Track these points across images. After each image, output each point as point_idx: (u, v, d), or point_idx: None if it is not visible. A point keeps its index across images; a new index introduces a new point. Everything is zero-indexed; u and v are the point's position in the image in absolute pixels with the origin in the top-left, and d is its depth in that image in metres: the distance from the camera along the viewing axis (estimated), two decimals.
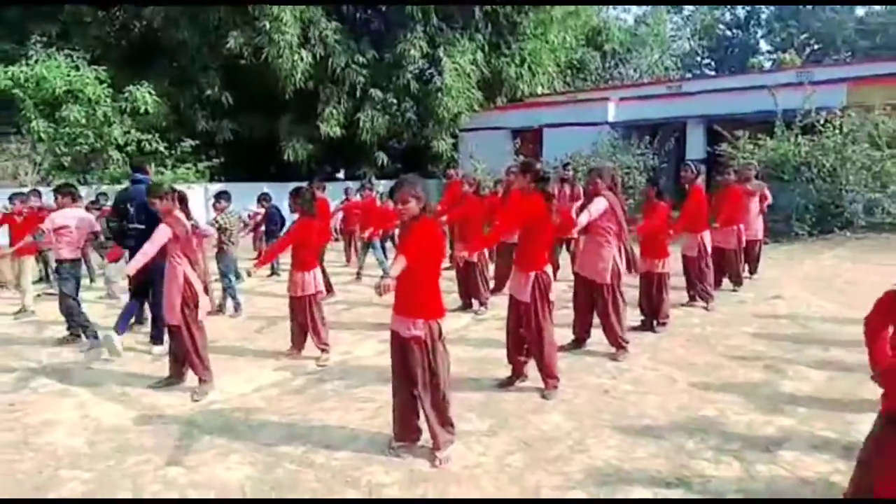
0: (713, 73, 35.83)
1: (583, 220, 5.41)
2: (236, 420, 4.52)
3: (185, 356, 5.03)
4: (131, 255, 5.82)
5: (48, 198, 8.16)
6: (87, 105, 13.85)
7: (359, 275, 10.02)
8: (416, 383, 3.75)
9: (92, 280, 9.79)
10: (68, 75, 13.71)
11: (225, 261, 7.67)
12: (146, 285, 6.15)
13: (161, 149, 14.92)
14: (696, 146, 15.93)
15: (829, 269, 9.71)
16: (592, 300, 5.68)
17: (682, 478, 3.56)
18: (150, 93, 14.33)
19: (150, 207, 5.14)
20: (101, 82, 14.07)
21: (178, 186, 12.17)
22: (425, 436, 3.92)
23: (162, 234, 4.85)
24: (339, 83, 17.31)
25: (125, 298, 8.27)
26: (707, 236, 7.29)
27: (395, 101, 17.69)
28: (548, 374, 4.78)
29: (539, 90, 20.80)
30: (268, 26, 15.45)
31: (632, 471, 3.64)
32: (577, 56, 24.00)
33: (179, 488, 3.57)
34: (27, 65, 13.60)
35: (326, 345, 5.93)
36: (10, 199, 8.10)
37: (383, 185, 15.44)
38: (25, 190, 9.22)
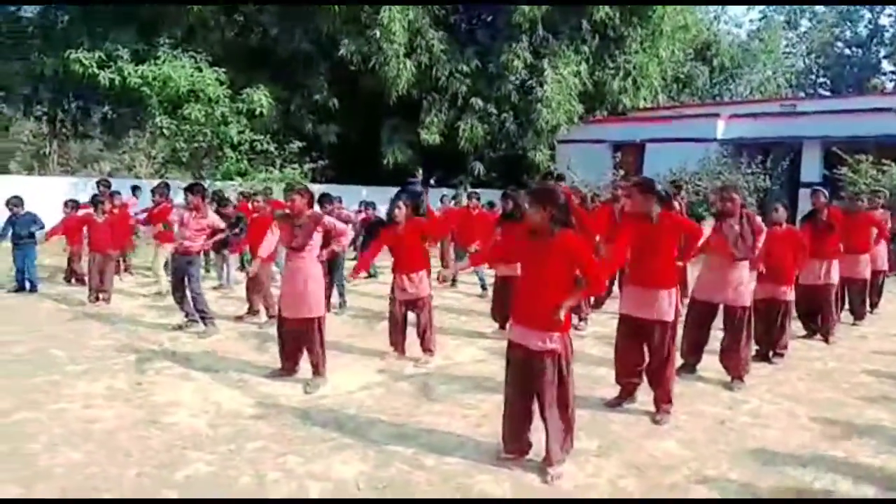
0: (828, 93, 33.77)
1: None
2: (346, 416, 4.63)
3: (310, 349, 5.20)
4: None
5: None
6: (207, 104, 14.66)
7: (454, 281, 10.09)
8: (537, 397, 3.69)
9: (207, 270, 10.33)
10: (191, 75, 14.57)
11: (336, 258, 7.90)
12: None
13: (271, 149, 15.59)
14: (811, 169, 15.07)
15: None
16: (709, 324, 5.45)
17: None
18: (265, 95, 15.02)
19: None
20: (221, 83, 14.86)
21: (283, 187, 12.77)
22: (534, 449, 3.88)
23: (271, 239, 5.09)
24: (441, 91, 17.54)
25: (238, 289, 8.79)
26: (836, 265, 6.87)
27: (495, 110, 17.74)
28: (664, 398, 4.62)
29: (641, 104, 20.31)
30: (378, 35, 15.86)
31: None
32: (684, 70, 23.28)
33: (298, 478, 3.68)
34: (155, 64, 14.56)
35: (433, 348, 6.00)
36: (152, 191, 8.68)
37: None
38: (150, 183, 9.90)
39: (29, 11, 17.84)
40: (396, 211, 5.81)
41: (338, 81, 17.56)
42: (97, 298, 8.11)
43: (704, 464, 3.95)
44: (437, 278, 4.66)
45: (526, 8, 16.31)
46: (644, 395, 4.85)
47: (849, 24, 34.44)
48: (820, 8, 34.27)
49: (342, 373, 5.54)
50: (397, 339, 6.04)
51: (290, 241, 5.25)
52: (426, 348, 6.00)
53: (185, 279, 6.72)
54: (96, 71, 14.15)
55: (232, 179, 14.89)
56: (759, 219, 5.56)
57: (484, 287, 9.47)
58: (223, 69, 15.12)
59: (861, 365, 6.14)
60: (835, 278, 7.01)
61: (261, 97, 14.99)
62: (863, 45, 34.83)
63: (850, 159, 12.43)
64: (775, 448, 4.20)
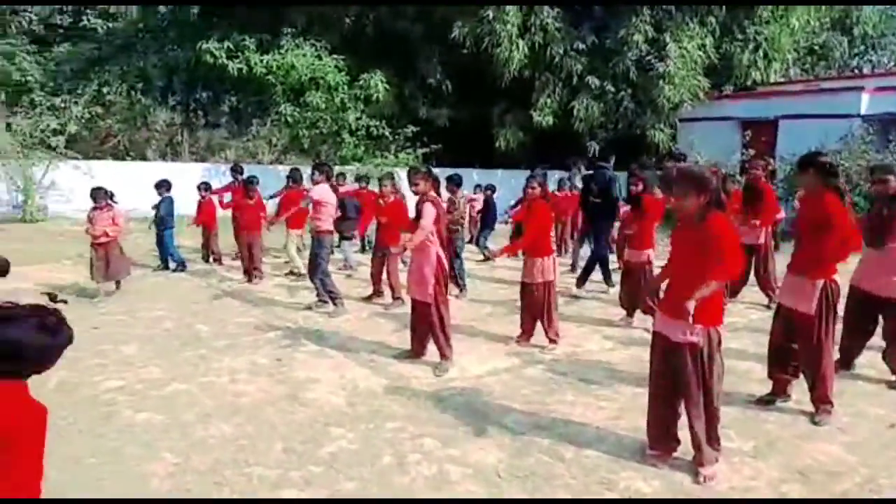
0: None
1: None
2: (478, 401, 4.58)
3: (431, 332, 5.21)
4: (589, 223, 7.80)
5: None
6: (327, 91, 15.13)
7: (573, 267, 9.82)
8: (681, 392, 3.49)
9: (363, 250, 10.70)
10: (313, 64, 15.06)
11: (456, 241, 7.89)
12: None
13: (387, 134, 15.87)
14: None
15: None
16: (873, 318, 4.94)
17: None
18: (381, 81, 15.27)
19: (606, 187, 5.53)
20: (340, 70, 15.27)
21: (399, 170, 13.01)
22: (682, 447, 3.66)
23: (430, 213, 5.05)
24: (555, 71, 17.06)
25: (361, 271, 9.00)
26: None
27: (612, 88, 17.05)
28: (821, 397, 4.23)
29: (772, 78, 18.86)
30: (491, 16, 15.65)
31: None
32: (819, 41, 21.39)
33: (437, 461, 3.68)
34: (279, 54, 15.14)
35: (557, 335, 5.85)
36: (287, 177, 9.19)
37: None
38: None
39: (163, 7, 19.06)
40: (529, 190, 5.67)
41: (450, 64, 17.52)
42: (250, 278, 8.58)
43: (876, 472, 3.58)
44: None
45: None
46: (798, 394, 4.47)
47: None
48: None
49: (468, 357, 5.51)
50: (526, 324, 5.93)
51: (409, 226, 5.25)
52: (551, 335, 5.85)
53: (316, 260, 6.93)
54: (225, 61, 14.90)
55: (349, 164, 15.29)
56: None
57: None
58: (342, 56, 15.50)
59: None
60: None
61: (377, 83, 15.27)
62: None
63: None
64: None
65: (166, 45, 17.69)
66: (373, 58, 16.86)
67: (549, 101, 17.13)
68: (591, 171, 7.34)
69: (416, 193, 5.21)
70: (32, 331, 1.82)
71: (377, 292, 7.69)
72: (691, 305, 3.23)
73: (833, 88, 16.78)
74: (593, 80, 16.94)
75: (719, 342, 3.44)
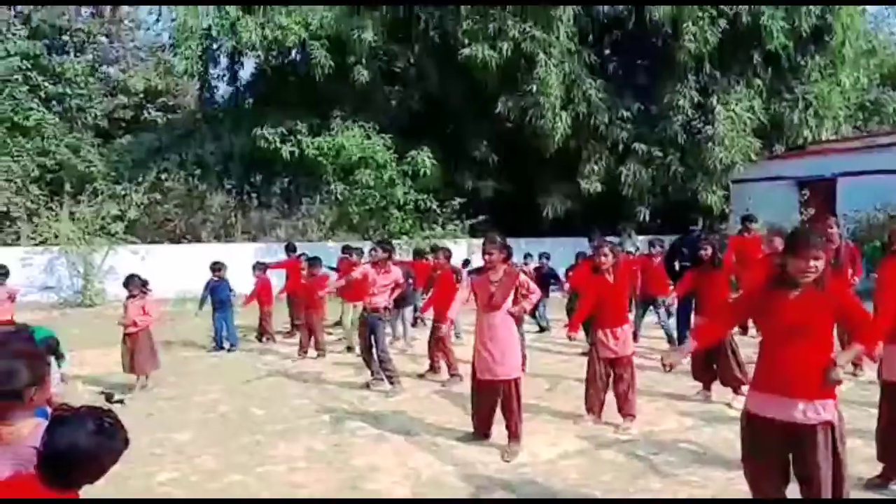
0: None
1: None
2: (553, 489, 4.22)
3: (508, 414, 4.91)
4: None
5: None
6: (376, 169, 15.39)
7: (635, 336, 9.38)
8: (807, 481, 3.04)
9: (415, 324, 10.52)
10: (361, 143, 15.42)
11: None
12: None
13: (434, 207, 15.95)
14: None
15: None
16: None
17: None
18: (428, 157, 15.48)
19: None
20: (388, 149, 15.57)
21: (446, 242, 12.94)
22: None
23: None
24: (601, 139, 17.09)
25: (417, 346, 8.78)
26: None
27: (660, 153, 16.91)
28: None
29: (824, 136, 18.45)
30: (534, 90, 15.86)
31: None
32: (870, 97, 21.02)
33: None
34: (329, 136, 15.58)
35: (633, 414, 5.46)
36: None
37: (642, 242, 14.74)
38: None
39: (220, 97, 20.02)
40: (602, 258, 5.42)
41: (495, 137, 17.73)
42: (315, 353, 8.57)
43: None
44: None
45: (692, 46, 15.55)
46: None
47: None
48: None
49: (536, 438, 5.16)
50: (596, 401, 5.56)
51: (488, 300, 5.01)
52: (627, 413, 5.46)
53: (373, 337, 6.75)
54: (279, 145, 15.40)
55: (399, 238, 15.35)
56: None
57: (671, 341, 8.71)
58: (389, 135, 15.85)
59: None
60: None
61: (424, 158, 15.48)
62: None
63: None
64: None
65: (222, 133, 18.45)
66: (419, 134, 17.20)
67: (595, 168, 17.09)
68: (681, 236, 7.11)
69: (488, 263, 5.02)
70: (89, 434, 1.65)
71: (434, 368, 7.43)
72: (839, 373, 2.85)
73: (892, 143, 16.26)
74: (640, 147, 16.86)
75: (842, 417, 3.06)
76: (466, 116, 17.65)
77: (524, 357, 7.65)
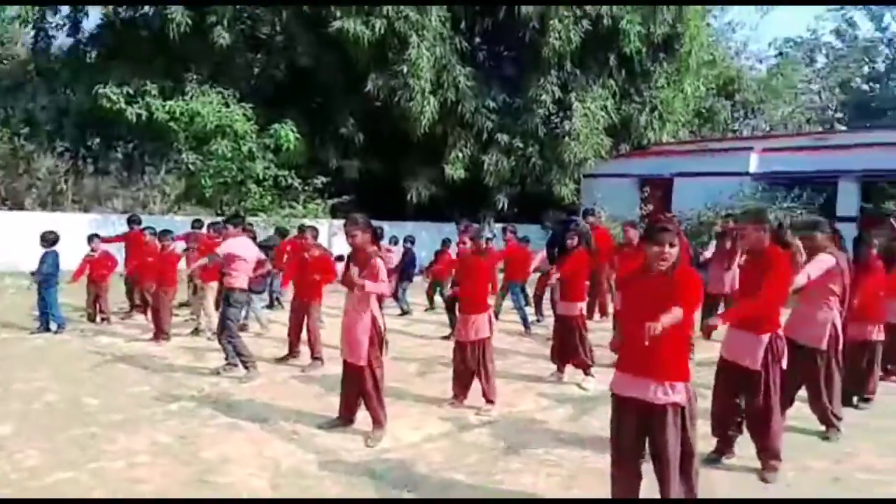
0: (843, 128, 33.54)
1: (799, 280, 4.75)
2: (419, 473, 4.17)
3: (366, 398, 4.77)
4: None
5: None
6: (234, 140, 14.49)
7: (496, 317, 9.63)
8: (658, 457, 3.22)
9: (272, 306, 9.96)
10: (219, 111, 14.42)
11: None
12: None
13: (296, 184, 15.35)
14: (848, 202, 14.64)
15: None
16: (801, 368, 4.98)
17: None
18: (292, 130, 14.82)
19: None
20: (248, 119, 14.71)
21: (307, 221, 12.53)
22: None
23: (384, 270, 4.69)
24: (466, 127, 17.36)
25: (273, 329, 8.38)
26: None
27: (521, 145, 17.51)
28: (771, 454, 4.16)
29: (665, 138, 20.08)
30: (405, 70, 15.73)
31: None
32: (706, 105, 23.11)
33: None
34: (183, 100, 14.43)
35: (493, 395, 5.54)
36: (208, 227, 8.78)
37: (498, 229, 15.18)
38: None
39: (58, 48, 17.87)
40: (462, 247, 5.43)
41: (364, 116, 17.42)
42: (158, 337, 7.85)
43: None
44: None
45: (556, 43, 16.19)
46: (741, 449, 4.38)
47: (866, 60, 34.40)
48: (837, 43, 34.31)
49: (400, 422, 5.08)
50: (459, 385, 5.60)
51: (348, 280, 4.84)
52: (487, 395, 5.54)
53: (227, 319, 6.32)
54: (124, 106, 14.00)
55: (255, 215, 14.60)
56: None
57: (526, 326, 9.03)
58: (250, 104, 14.99)
59: None
60: None
61: (288, 132, 14.79)
62: (880, 80, 34.71)
63: None
64: None
65: (57, 87, 16.47)
66: (283, 106, 16.45)
67: (460, 155, 17.35)
68: (560, 223, 7.24)
69: (352, 245, 4.82)
70: None
71: (293, 353, 7.11)
72: (658, 326, 2.95)
73: (724, 149, 18.01)
74: (503, 137, 17.35)
75: (695, 397, 3.26)
76: (335, 91, 17.16)
77: (385, 341, 7.58)
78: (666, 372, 3.15)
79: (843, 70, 31.33)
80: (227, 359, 6.49)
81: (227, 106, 14.59)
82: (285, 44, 16.91)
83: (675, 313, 3.03)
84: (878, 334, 5.67)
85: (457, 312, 5.95)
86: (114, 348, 7.51)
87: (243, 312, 7.72)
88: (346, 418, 4.98)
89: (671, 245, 3.17)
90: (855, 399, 5.75)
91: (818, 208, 14.72)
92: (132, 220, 9.72)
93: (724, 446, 4.42)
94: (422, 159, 17.99)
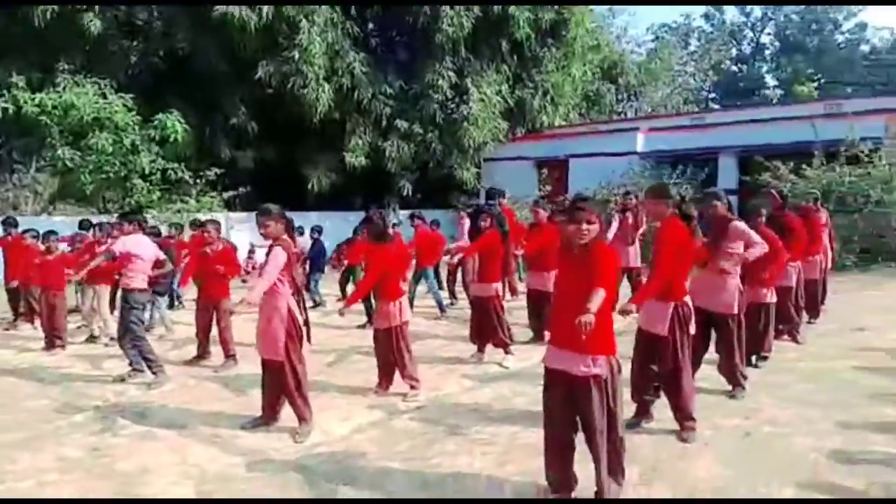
0: (717, 107, 36.08)
1: (759, 251, 5.09)
2: (353, 466, 4.10)
3: (287, 395, 4.62)
4: None
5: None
6: (115, 132, 13.54)
7: (410, 303, 9.64)
8: (585, 427, 3.36)
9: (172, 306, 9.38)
10: (96, 103, 13.43)
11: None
12: None
13: (187, 178, 14.58)
14: (728, 177, 15.76)
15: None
16: (707, 333, 5.32)
17: None
18: (179, 121, 14.04)
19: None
20: (129, 110, 13.79)
21: (201, 216, 11.96)
22: (581, 484, 3.53)
23: (280, 257, 4.49)
24: (364, 114, 17.17)
25: (178, 330, 7.96)
26: (797, 267, 7.00)
27: (420, 130, 17.52)
28: (685, 415, 4.41)
29: (558, 122, 20.77)
30: (297, 57, 15.29)
31: None
32: (593, 89, 24.06)
33: None
34: (55, 92, 13.32)
35: (416, 380, 5.54)
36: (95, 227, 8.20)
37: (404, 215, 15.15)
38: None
39: None
40: (360, 237, 5.38)
41: (256, 104, 16.80)
42: (52, 345, 7.24)
43: (754, 482, 3.73)
44: None
45: (449, 29, 16.28)
46: (659, 413, 4.63)
47: (734, 42, 37.07)
48: (708, 27, 36.69)
49: (327, 415, 4.97)
50: (384, 372, 5.55)
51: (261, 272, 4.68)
52: (409, 381, 5.52)
53: (129, 322, 5.92)
54: None
55: (146, 211, 13.74)
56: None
57: (442, 309, 9.10)
58: (130, 95, 14.05)
59: (840, 363, 6.22)
60: (795, 280, 7.13)
61: (174, 123, 14.01)
62: (747, 62, 37.58)
63: (770, 166, 13.03)
64: (815, 457, 4.05)
65: None
66: (167, 96, 15.53)
67: (360, 142, 17.16)
68: (480, 208, 7.29)
69: (265, 237, 4.64)
70: None
71: (204, 353, 6.78)
72: (590, 318, 3.09)
73: (612, 130, 18.86)
74: (402, 123, 17.29)
75: (619, 370, 3.39)
76: (223, 80, 16.41)
77: (307, 332, 7.39)
78: (589, 346, 3.25)
79: (715, 53, 33.50)
80: (130, 364, 6.08)
81: (105, 97, 13.65)
82: (164, 30, 15.96)
83: (599, 297, 3.14)
84: (771, 297, 6.13)
85: (373, 300, 5.88)
86: (1, 362, 6.85)
87: (147, 314, 7.27)
88: (269, 416, 4.81)
89: (588, 223, 3.29)
90: (754, 358, 6.20)
91: (701, 183, 15.76)
92: (8, 223, 8.89)
93: (643, 411, 4.65)
94: (321, 147, 17.63)
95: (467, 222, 8.68)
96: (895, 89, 28.73)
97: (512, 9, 16.87)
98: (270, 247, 4.60)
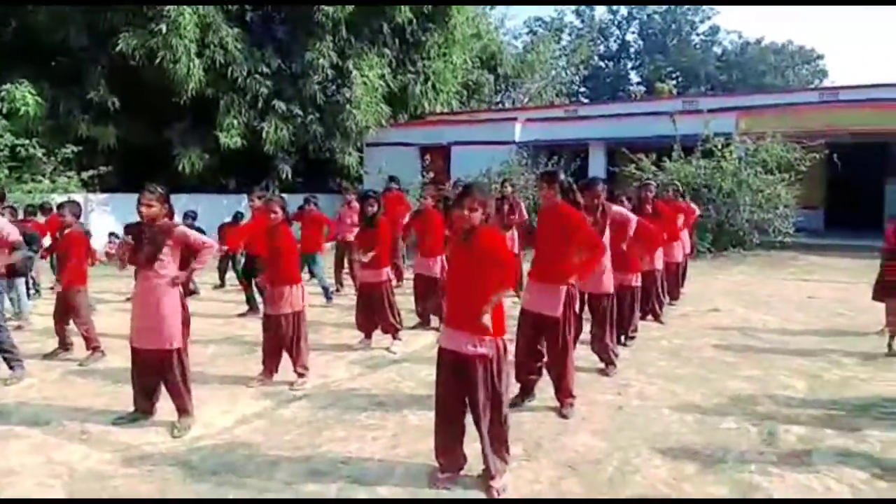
0: (587, 101, 38.01)
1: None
2: (238, 458, 3.98)
3: (171, 387, 4.39)
4: None
5: None
6: None
7: None
8: (471, 406, 3.48)
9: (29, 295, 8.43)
10: None
11: None
12: None
13: (39, 155, 13.31)
14: (598, 167, 16.72)
15: (744, 283, 10.48)
16: (592, 313, 5.65)
17: (745, 493, 3.57)
18: (30, 93, 12.75)
19: None
20: None
21: (57, 197, 11.01)
22: (469, 463, 3.66)
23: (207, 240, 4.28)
24: (240, 92, 16.46)
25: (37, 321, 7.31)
26: (661, 252, 7.58)
27: (300, 112, 17.07)
28: (567, 393, 4.68)
29: (439, 108, 21.00)
30: (164, 29, 14.35)
31: (693, 492, 3.58)
32: (473, 77, 24.52)
33: None
34: None
35: (306, 368, 5.46)
36: None
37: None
38: None
39: None
40: (273, 215, 5.22)
41: (117, 78, 15.57)
42: None
43: (627, 453, 4.02)
44: None
45: (329, 9, 15.92)
46: (540, 391, 4.88)
47: (602, 39, 39.09)
48: (578, 23, 38.40)
49: (208, 408, 4.78)
50: (270, 361, 5.41)
51: (138, 257, 4.40)
52: (299, 368, 5.43)
53: None
54: None
55: None
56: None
57: (328, 296, 8.98)
58: None
59: (699, 340, 6.84)
60: (660, 264, 7.73)
61: (25, 94, 12.72)
62: (613, 59, 39.80)
63: (634, 158, 13.95)
64: (679, 428, 4.44)
65: None
66: (14, 67, 14.06)
67: (235, 122, 16.45)
68: (367, 193, 7.25)
69: (146, 218, 4.35)
70: None
71: (64, 345, 6.26)
72: (487, 318, 3.24)
73: (492, 119, 19.35)
74: (280, 104, 16.76)
75: (506, 351, 3.53)
76: (80, 50, 15.07)
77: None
78: (474, 326, 3.37)
79: (585, 48, 35.16)
80: None
81: None
82: None
83: (500, 295, 3.35)
84: (636, 280, 6.60)
85: (262, 286, 5.71)
86: None
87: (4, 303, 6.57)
88: (144, 410, 4.55)
89: (470, 209, 3.39)
90: (622, 338, 6.66)
91: (574, 172, 16.58)
92: None
93: (526, 390, 4.87)
94: (192, 127, 16.73)
95: (356, 206, 8.57)
96: (745, 89, 31.65)
97: None
98: (164, 230, 4.33)
